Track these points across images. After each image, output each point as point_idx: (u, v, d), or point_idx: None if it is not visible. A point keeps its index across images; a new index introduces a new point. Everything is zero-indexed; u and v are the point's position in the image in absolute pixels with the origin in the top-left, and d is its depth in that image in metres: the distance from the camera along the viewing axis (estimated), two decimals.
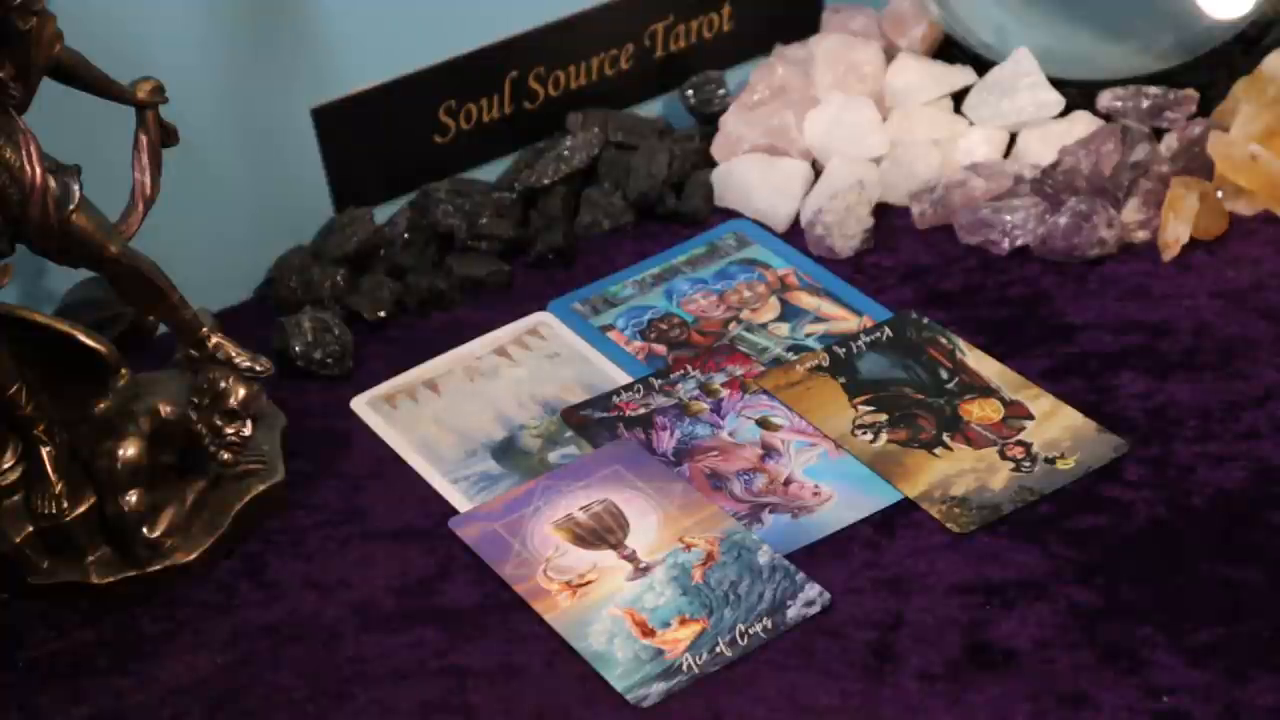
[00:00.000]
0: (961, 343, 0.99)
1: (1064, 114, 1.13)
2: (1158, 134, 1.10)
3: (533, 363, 1.01)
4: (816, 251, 1.08)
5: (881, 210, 1.10)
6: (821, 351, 1.00)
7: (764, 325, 1.03)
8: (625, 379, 0.99)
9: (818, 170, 1.13)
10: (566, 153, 1.12)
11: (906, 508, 0.89)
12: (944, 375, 0.97)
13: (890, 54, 1.19)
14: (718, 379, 0.98)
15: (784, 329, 1.02)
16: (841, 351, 0.99)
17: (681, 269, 1.08)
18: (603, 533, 0.88)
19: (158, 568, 0.87)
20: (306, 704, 0.81)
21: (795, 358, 0.99)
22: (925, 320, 1.01)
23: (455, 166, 1.13)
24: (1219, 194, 1.06)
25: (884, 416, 0.94)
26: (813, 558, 0.86)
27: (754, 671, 0.80)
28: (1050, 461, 0.90)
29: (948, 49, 1.19)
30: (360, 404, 0.99)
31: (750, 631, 0.82)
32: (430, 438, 0.96)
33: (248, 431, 0.90)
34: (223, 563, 0.89)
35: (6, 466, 0.87)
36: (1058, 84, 1.12)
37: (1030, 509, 0.88)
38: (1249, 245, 1.05)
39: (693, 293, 1.06)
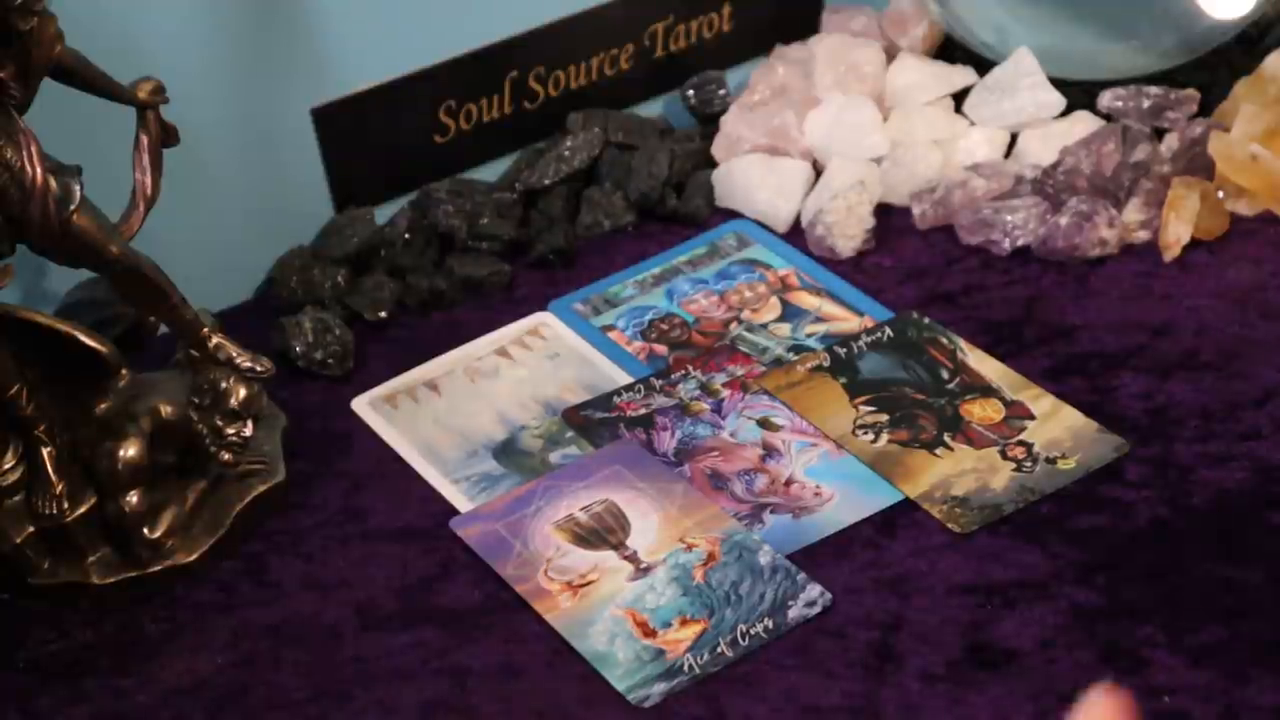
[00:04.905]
0: (962, 343, 0.99)
1: (1065, 114, 1.13)
2: (1158, 134, 1.10)
3: (533, 363, 1.01)
4: (817, 252, 1.08)
5: (882, 210, 1.10)
6: (822, 352, 1.00)
7: (765, 325, 1.03)
8: (626, 379, 0.99)
9: (818, 170, 1.13)
10: (567, 153, 1.12)
11: (907, 508, 0.89)
12: (945, 375, 0.97)
13: (891, 54, 1.19)
14: (718, 379, 0.98)
15: (785, 329, 1.02)
16: (842, 352, 0.99)
17: (682, 269, 1.08)
18: (604, 533, 0.88)
19: (158, 568, 0.87)
20: (307, 704, 0.81)
21: (796, 358, 0.99)
22: (926, 320, 1.01)
23: (455, 166, 1.13)
24: (1220, 194, 1.06)
25: (885, 417, 0.94)
26: (814, 558, 0.86)
27: (755, 672, 0.80)
28: (1051, 461, 0.90)
29: (948, 49, 1.19)
30: (361, 404, 0.99)
31: (751, 632, 0.82)
32: (431, 438, 0.96)
33: (248, 432, 0.90)
34: (223, 563, 0.89)
35: (7, 467, 0.87)
36: (1058, 84, 1.12)
37: (1031, 509, 0.88)
38: (1250, 245, 1.05)
39: (693, 293, 1.06)
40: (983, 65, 1.16)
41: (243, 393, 0.89)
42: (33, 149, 0.79)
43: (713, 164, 1.15)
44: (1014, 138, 1.14)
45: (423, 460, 0.95)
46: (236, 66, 1.00)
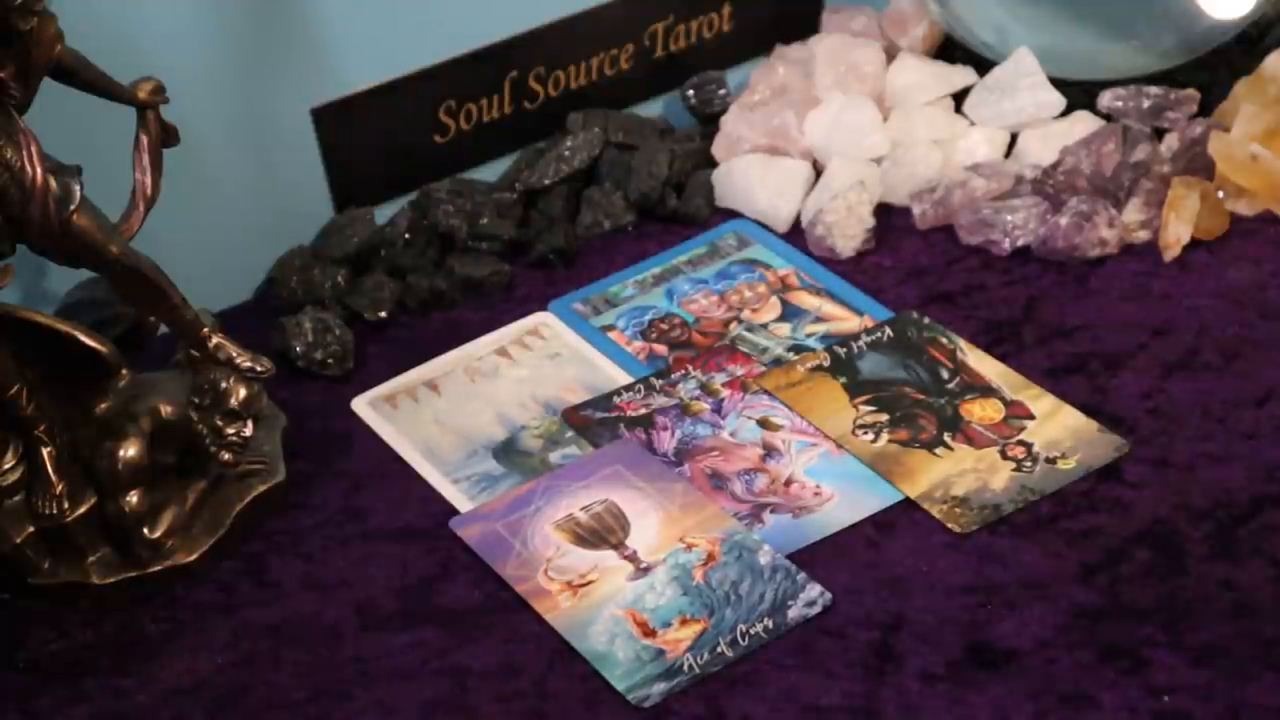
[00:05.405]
0: (962, 343, 0.99)
1: (1065, 114, 1.13)
2: (1159, 134, 1.10)
3: (533, 363, 1.01)
4: (817, 252, 1.08)
5: (882, 210, 1.10)
6: (822, 351, 1.00)
7: (765, 325, 1.03)
8: (626, 379, 0.99)
9: (818, 170, 1.13)
10: (567, 153, 1.12)
11: (907, 508, 0.89)
12: (945, 375, 0.97)
13: (891, 54, 1.19)
14: (718, 379, 0.98)
15: (785, 329, 1.02)
16: (842, 351, 0.99)
17: (682, 269, 1.08)
18: (604, 533, 0.88)
19: (158, 568, 0.87)
20: (307, 704, 0.81)
21: (796, 358, 0.99)
22: (926, 320, 1.01)
23: (455, 166, 1.13)
24: (1220, 194, 1.06)
25: (885, 416, 0.94)
26: (814, 558, 0.86)
27: (755, 671, 0.80)
28: (1051, 461, 0.90)
29: (948, 49, 1.19)
30: (361, 404, 0.99)
31: (751, 631, 0.82)
32: (431, 438, 0.96)
33: (249, 432, 0.90)
34: (223, 563, 0.89)
35: (7, 467, 0.87)
36: (1058, 84, 1.12)
37: (1031, 509, 0.88)
38: (1250, 245, 1.05)
39: (693, 293, 1.06)
40: (983, 65, 1.16)
41: (243, 393, 0.89)
42: (33, 149, 0.79)
43: (713, 164, 1.15)
44: (1014, 138, 1.14)
45: (423, 460, 0.95)
46: (236, 66, 1.00)
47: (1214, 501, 0.87)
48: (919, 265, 1.06)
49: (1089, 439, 0.91)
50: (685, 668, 0.81)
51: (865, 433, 0.93)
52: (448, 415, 0.98)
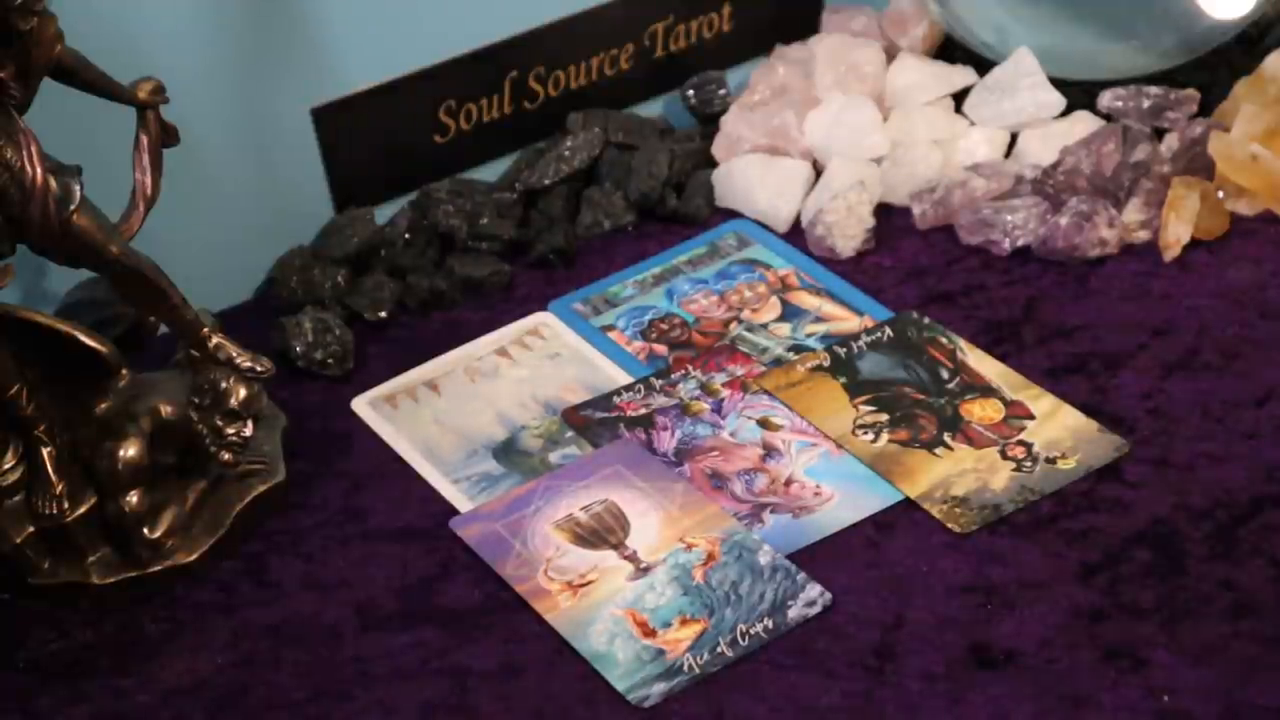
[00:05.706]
0: (962, 343, 0.99)
1: (1065, 114, 1.13)
2: (1159, 134, 1.10)
3: (533, 363, 1.01)
4: (817, 252, 1.08)
5: (882, 210, 1.10)
6: (822, 351, 1.00)
7: (765, 325, 1.03)
8: (626, 379, 0.99)
9: (818, 170, 1.13)
10: (567, 153, 1.12)
11: (907, 508, 0.89)
12: (945, 375, 0.97)
13: (891, 54, 1.19)
14: (718, 379, 0.98)
15: (785, 329, 1.02)
16: (842, 351, 0.99)
17: (682, 269, 1.08)
18: (604, 533, 0.88)
19: (158, 568, 0.87)
20: (307, 704, 0.81)
21: (796, 358, 0.99)
22: (926, 320, 1.01)
23: (455, 166, 1.13)
24: (1220, 194, 1.06)
25: (885, 416, 0.94)
26: (814, 558, 0.86)
27: (755, 671, 0.80)
28: (1051, 461, 0.90)
29: (948, 49, 1.19)
30: (361, 404, 0.99)
31: (751, 631, 0.82)
32: (431, 438, 0.96)
33: (248, 432, 0.90)
34: (223, 563, 0.89)
35: (7, 467, 0.87)
36: (1058, 84, 1.12)
37: (1031, 509, 0.88)
38: (1250, 245, 1.05)
39: (693, 293, 1.06)
40: (983, 65, 1.16)
41: (243, 393, 0.89)
42: (33, 149, 0.79)
43: (713, 164, 1.15)
44: (1014, 138, 1.14)
45: (423, 460, 0.95)
46: (236, 66, 1.00)
47: (1214, 501, 0.87)
48: (919, 265, 1.06)
49: (1089, 439, 0.91)
50: (685, 668, 0.81)
51: (865, 433, 0.93)
52: (448, 415, 0.98)
